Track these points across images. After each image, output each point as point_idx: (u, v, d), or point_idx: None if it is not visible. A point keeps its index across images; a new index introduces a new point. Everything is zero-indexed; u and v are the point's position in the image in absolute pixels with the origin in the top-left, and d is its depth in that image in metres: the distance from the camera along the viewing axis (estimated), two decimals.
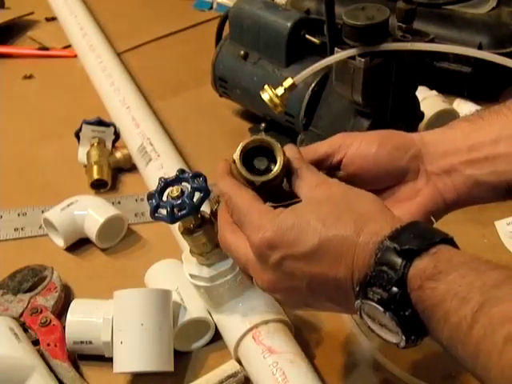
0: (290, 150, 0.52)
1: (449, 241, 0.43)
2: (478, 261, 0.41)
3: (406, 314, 0.41)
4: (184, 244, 0.61)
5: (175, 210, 0.55)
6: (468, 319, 0.38)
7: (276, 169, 0.50)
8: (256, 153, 0.51)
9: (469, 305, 0.38)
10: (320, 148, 0.55)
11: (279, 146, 0.50)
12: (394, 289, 0.41)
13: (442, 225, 0.73)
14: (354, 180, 0.54)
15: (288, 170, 0.50)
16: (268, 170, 0.50)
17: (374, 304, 0.42)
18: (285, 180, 0.51)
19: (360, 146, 0.54)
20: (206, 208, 0.58)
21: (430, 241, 0.42)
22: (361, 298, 0.43)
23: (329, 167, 0.55)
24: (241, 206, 0.49)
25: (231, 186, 0.51)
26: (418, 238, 0.42)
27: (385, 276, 0.41)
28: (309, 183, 0.49)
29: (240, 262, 0.50)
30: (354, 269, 0.44)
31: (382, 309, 0.41)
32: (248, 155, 0.50)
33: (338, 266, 0.44)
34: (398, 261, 0.41)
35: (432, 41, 0.71)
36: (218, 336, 0.64)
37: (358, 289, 0.43)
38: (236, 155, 0.50)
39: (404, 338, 0.42)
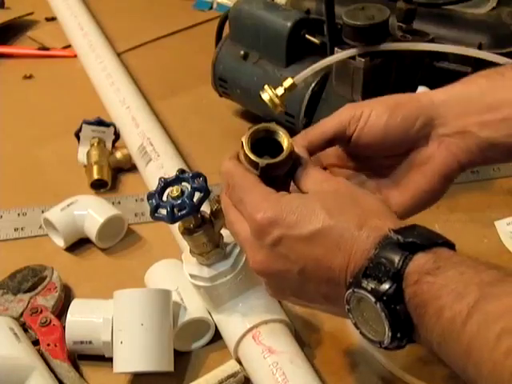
0: (298, 138, 0.51)
1: (450, 246, 0.43)
2: (477, 261, 0.41)
3: (397, 307, 0.41)
4: (184, 244, 0.61)
5: (175, 209, 0.55)
6: (463, 315, 0.38)
7: (283, 153, 0.49)
8: (264, 146, 0.50)
9: (464, 300, 0.38)
10: (329, 128, 0.54)
11: (287, 134, 0.50)
12: (390, 281, 0.41)
13: (444, 224, 0.74)
14: (363, 152, 0.54)
15: (293, 167, 0.50)
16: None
17: (365, 294, 0.41)
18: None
19: (369, 118, 0.53)
20: (206, 208, 0.58)
21: (433, 241, 0.42)
22: (353, 288, 0.42)
23: (340, 144, 0.54)
24: (242, 184, 0.49)
25: (236, 167, 0.50)
26: (422, 236, 0.42)
27: (382, 268, 0.41)
28: (315, 179, 0.49)
29: (238, 239, 0.50)
30: (351, 261, 0.43)
31: (373, 299, 0.41)
32: (256, 146, 0.50)
33: (335, 255, 0.44)
34: (398, 256, 0.41)
35: (432, 41, 0.71)
36: (218, 336, 0.64)
37: (351, 280, 0.43)
38: (244, 138, 0.50)
39: (390, 334, 0.41)
